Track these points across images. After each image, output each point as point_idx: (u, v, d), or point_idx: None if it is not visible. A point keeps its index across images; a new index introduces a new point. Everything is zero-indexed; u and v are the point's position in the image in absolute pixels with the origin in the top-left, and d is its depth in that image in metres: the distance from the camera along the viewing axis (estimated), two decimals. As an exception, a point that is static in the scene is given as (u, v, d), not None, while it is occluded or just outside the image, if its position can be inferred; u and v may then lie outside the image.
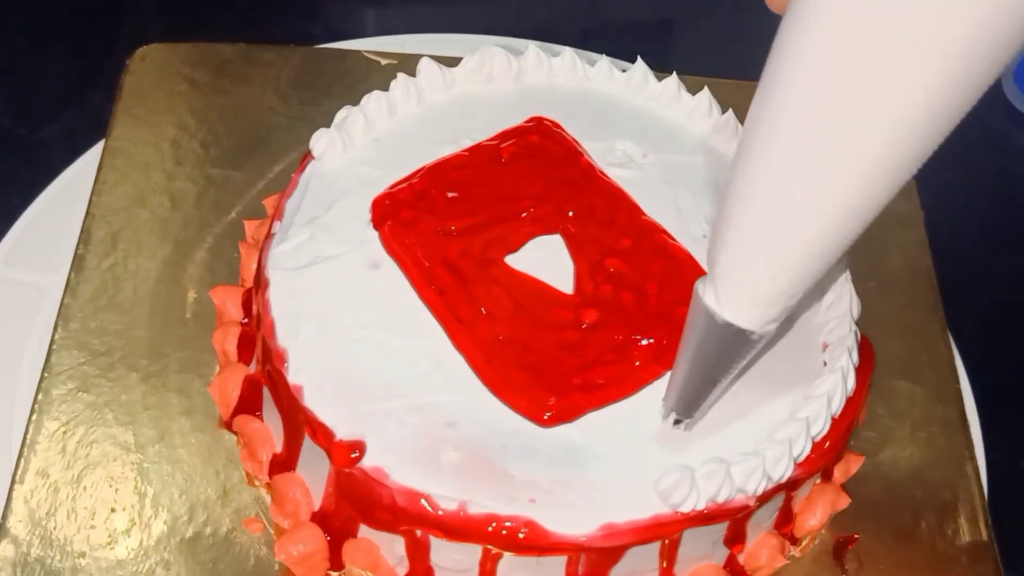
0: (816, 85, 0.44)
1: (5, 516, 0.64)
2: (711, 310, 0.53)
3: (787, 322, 0.67)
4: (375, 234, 0.68)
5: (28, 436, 0.67)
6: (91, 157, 0.84)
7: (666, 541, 0.61)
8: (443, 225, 0.68)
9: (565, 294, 0.66)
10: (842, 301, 0.68)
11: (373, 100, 0.74)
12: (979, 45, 0.40)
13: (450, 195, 0.70)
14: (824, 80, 0.43)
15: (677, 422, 0.61)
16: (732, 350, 0.55)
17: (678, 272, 0.68)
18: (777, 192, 0.48)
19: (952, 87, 0.42)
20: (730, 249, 0.51)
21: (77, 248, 0.76)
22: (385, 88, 0.75)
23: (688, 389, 0.59)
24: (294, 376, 0.63)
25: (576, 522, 0.59)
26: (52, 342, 0.72)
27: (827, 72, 0.43)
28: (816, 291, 0.69)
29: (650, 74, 0.78)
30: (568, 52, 0.79)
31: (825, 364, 0.66)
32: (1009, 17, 0.39)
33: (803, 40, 0.43)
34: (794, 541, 0.69)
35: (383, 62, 0.90)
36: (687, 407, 0.60)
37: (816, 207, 0.47)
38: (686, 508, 0.59)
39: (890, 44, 0.41)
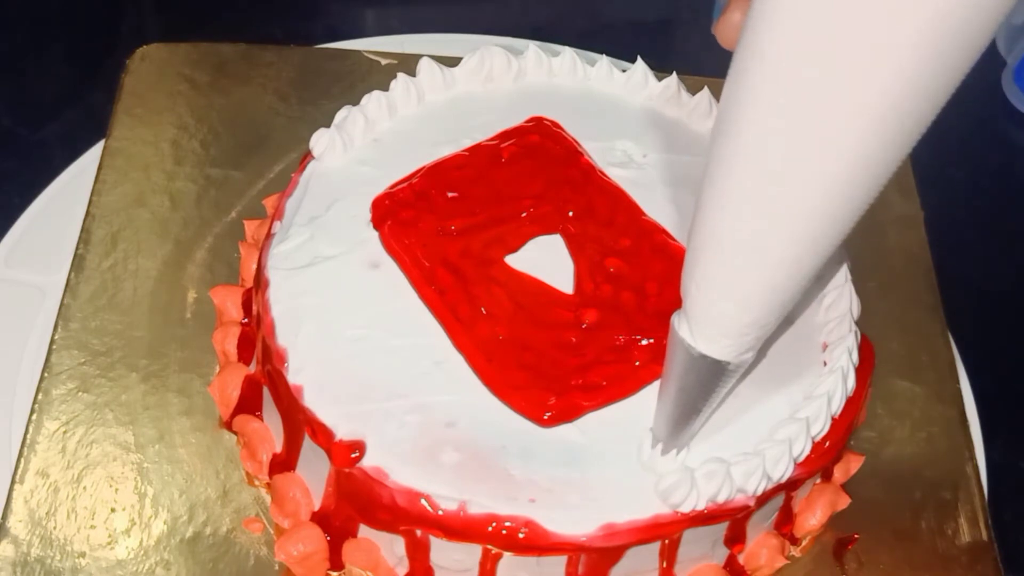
0: (767, 122, 0.44)
1: (5, 516, 0.64)
2: (686, 343, 0.54)
3: (787, 322, 0.67)
4: (375, 234, 0.68)
5: (28, 436, 0.67)
6: (91, 157, 0.84)
7: (666, 541, 0.61)
8: (443, 225, 0.68)
9: (565, 294, 0.66)
10: (842, 301, 0.68)
11: (373, 100, 0.74)
12: (937, 65, 0.40)
13: (450, 195, 0.70)
14: (774, 116, 0.43)
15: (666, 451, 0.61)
16: (711, 381, 0.55)
17: (678, 272, 0.67)
18: (736, 230, 0.48)
19: (907, 112, 0.42)
20: (698, 284, 0.52)
21: (77, 248, 0.76)
22: (385, 88, 0.75)
23: (673, 420, 0.59)
24: (294, 376, 0.63)
25: (576, 522, 0.59)
26: (52, 342, 0.72)
27: (776, 107, 0.43)
28: (816, 291, 0.69)
29: (650, 74, 0.78)
30: (568, 52, 0.79)
31: (825, 364, 0.66)
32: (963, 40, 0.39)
33: (754, 75, 0.43)
34: (794, 541, 0.69)
35: (383, 62, 0.90)
36: (674, 438, 0.60)
37: (775, 245, 0.47)
38: (686, 508, 0.59)
39: (841, 74, 0.41)
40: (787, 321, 0.67)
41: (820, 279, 0.69)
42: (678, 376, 0.56)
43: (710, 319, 0.52)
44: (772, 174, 0.45)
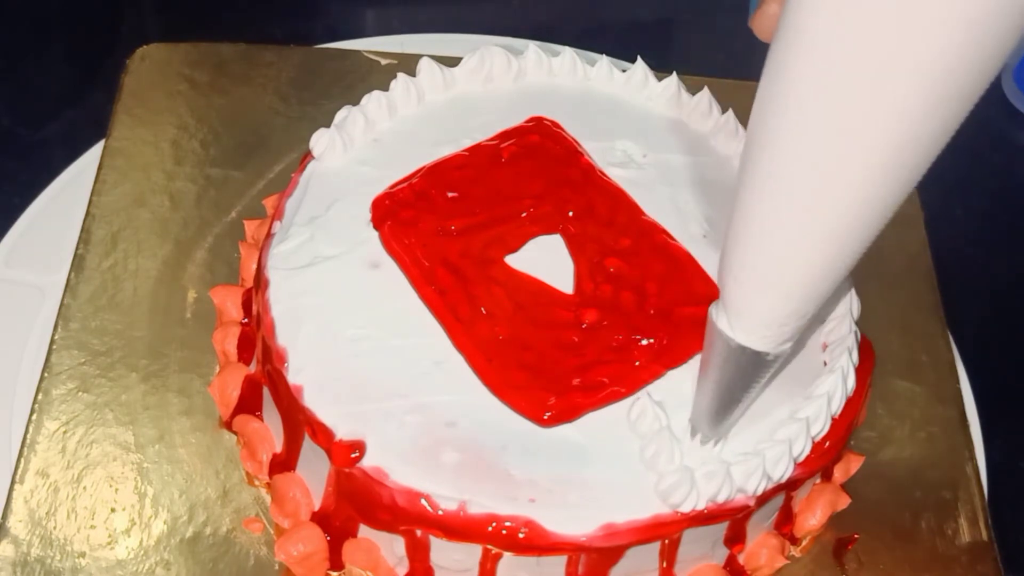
0: (806, 113, 0.44)
1: (5, 516, 0.64)
2: (725, 335, 0.54)
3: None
4: (375, 234, 0.68)
5: (28, 436, 0.67)
6: (91, 157, 0.84)
7: (666, 541, 0.61)
8: (443, 225, 0.68)
9: (565, 294, 0.66)
10: (842, 301, 0.68)
11: (373, 100, 0.74)
12: (969, 54, 0.40)
13: (450, 195, 0.70)
14: (813, 107, 0.43)
15: (705, 441, 0.61)
16: (750, 371, 0.55)
17: (678, 272, 0.68)
18: (776, 219, 0.48)
19: (944, 99, 0.42)
20: (737, 275, 0.51)
21: (77, 248, 0.76)
22: (385, 88, 0.75)
23: (712, 412, 0.59)
24: (294, 376, 0.63)
25: (576, 522, 0.59)
26: (52, 342, 0.72)
27: (815, 99, 0.43)
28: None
29: (650, 74, 0.79)
30: (568, 52, 0.79)
31: (825, 364, 0.66)
32: (1001, 22, 0.39)
33: (792, 68, 0.43)
34: (794, 541, 0.69)
35: (383, 62, 0.90)
36: (714, 429, 0.60)
37: (817, 232, 0.47)
38: (686, 508, 0.59)
39: (878, 62, 0.41)
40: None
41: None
42: (717, 368, 0.56)
43: (749, 310, 0.52)
44: (814, 163, 0.45)
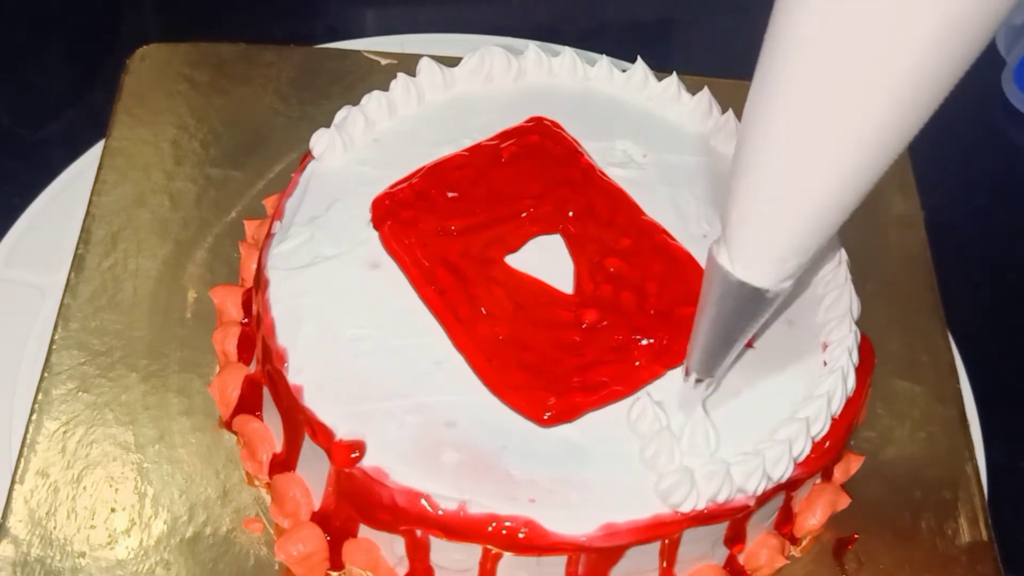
0: (816, 41, 0.44)
1: (5, 516, 0.64)
2: (725, 270, 0.53)
3: (787, 322, 0.67)
4: (375, 234, 0.68)
5: (28, 436, 0.67)
6: (91, 157, 0.85)
7: (666, 541, 0.61)
8: (443, 225, 0.68)
9: (565, 294, 0.66)
10: (842, 301, 0.68)
11: (373, 100, 0.74)
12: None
13: (450, 195, 0.70)
14: (823, 34, 0.43)
15: (698, 381, 0.61)
16: (748, 309, 0.55)
17: (678, 272, 0.68)
18: (782, 150, 0.48)
19: (951, 37, 0.41)
20: (740, 208, 0.51)
21: (77, 248, 0.76)
22: (385, 88, 0.75)
23: (707, 349, 0.58)
24: (294, 376, 0.63)
25: (576, 522, 0.59)
26: (52, 342, 0.72)
27: (826, 27, 0.43)
28: (815, 291, 0.69)
29: (650, 74, 0.79)
30: (568, 52, 0.79)
31: (825, 364, 0.66)
32: None
33: (797, 9, 0.44)
34: (794, 541, 0.69)
35: (383, 62, 0.90)
36: (707, 367, 0.60)
37: (823, 163, 0.47)
38: (686, 508, 0.59)
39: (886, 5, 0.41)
40: (787, 321, 0.67)
41: (821, 278, 0.69)
42: (715, 304, 0.55)
43: (750, 245, 0.52)
44: (820, 93, 0.45)
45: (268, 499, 0.67)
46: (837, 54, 0.44)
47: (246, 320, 0.72)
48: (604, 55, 0.86)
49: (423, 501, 0.59)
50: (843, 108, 0.45)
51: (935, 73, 0.43)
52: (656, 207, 0.71)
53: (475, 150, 0.73)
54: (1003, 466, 0.78)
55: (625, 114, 0.78)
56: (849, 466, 0.71)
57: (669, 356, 0.64)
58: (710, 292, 0.55)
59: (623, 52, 0.92)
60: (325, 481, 0.63)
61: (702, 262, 0.68)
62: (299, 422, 0.62)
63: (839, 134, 0.46)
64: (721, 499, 0.60)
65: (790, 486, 0.64)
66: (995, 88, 1.08)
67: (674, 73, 0.78)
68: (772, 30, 0.46)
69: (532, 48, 0.79)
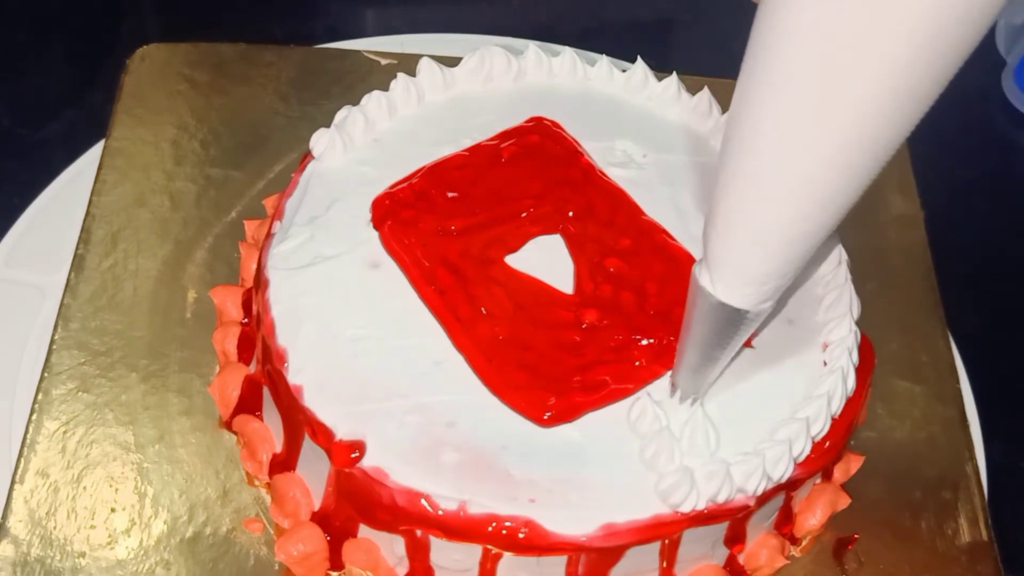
0: (788, 71, 0.45)
1: (5, 516, 0.64)
2: (706, 291, 0.54)
3: (787, 322, 0.67)
4: (375, 234, 0.68)
5: (28, 436, 0.67)
6: (91, 157, 0.85)
7: (666, 541, 0.61)
8: (443, 225, 0.68)
9: (565, 294, 0.66)
10: (842, 301, 0.68)
11: (373, 100, 0.74)
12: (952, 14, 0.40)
13: (450, 195, 0.70)
14: (795, 64, 0.44)
15: (684, 398, 0.62)
16: (728, 329, 0.56)
17: (678, 272, 0.68)
18: (758, 177, 0.49)
19: (929, 56, 0.42)
20: (720, 232, 0.52)
21: (77, 248, 0.76)
22: (385, 88, 0.75)
23: (691, 366, 0.60)
24: (294, 376, 0.63)
25: (576, 522, 0.59)
26: (52, 342, 0.72)
27: (797, 54, 0.44)
28: (815, 291, 0.69)
29: (650, 74, 0.79)
30: (568, 52, 0.79)
31: (825, 364, 0.66)
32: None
33: (776, 26, 0.44)
34: (794, 541, 0.69)
35: (383, 62, 0.90)
36: (694, 387, 0.61)
37: (798, 191, 0.48)
38: (686, 508, 0.59)
39: (859, 20, 0.42)
40: (787, 321, 0.67)
41: (821, 278, 0.69)
42: (697, 323, 0.57)
43: (730, 267, 0.53)
44: (797, 116, 0.45)
45: (268, 499, 0.67)
46: (807, 78, 0.44)
47: (246, 320, 0.72)
48: (604, 55, 0.86)
49: (423, 501, 0.59)
50: (817, 133, 0.45)
51: (915, 78, 0.43)
52: (656, 207, 0.71)
53: (475, 150, 0.73)
54: (1003, 466, 0.78)
55: (625, 114, 0.78)
56: (849, 466, 0.71)
57: (669, 356, 0.64)
58: (692, 313, 0.57)
59: (623, 52, 0.92)
60: (325, 481, 0.63)
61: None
62: (299, 422, 0.62)
63: (813, 160, 0.46)
64: (721, 499, 0.60)
65: (790, 486, 0.64)
66: (995, 88, 1.08)
67: (674, 73, 0.78)
68: (751, 46, 0.46)
69: (532, 48, 0.79)
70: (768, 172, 0.48)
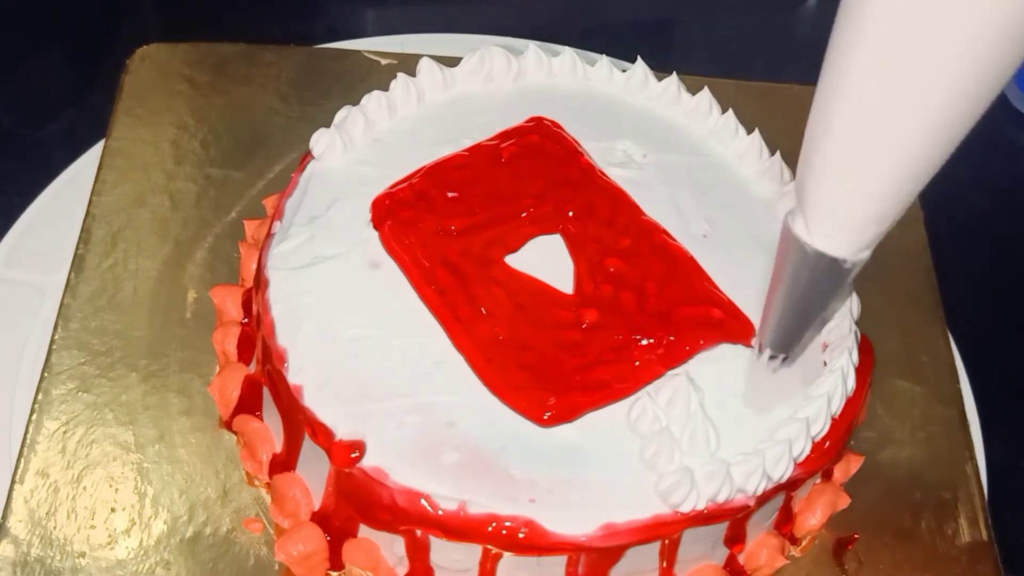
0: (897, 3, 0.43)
1: (5, 516, 0.64)
2: (801, 240, 0.52)
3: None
4: (375, 234, 0.68)
5: (28, 436, 0.67)
6: (91, 157, 0.85)
7: (666, 541, 0.61)
8: (443, 225, 0.68)
9: (565, 294, 0.66)
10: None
11: (373, 100, 0.74)
12: None
13: (450, 195, 0.70)
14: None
15: (772, 358, 0.60)
16: (825, 281, 0.54)
17: (678, 272, 0.68)
18: (862, 113, 0.47)
19: None
20: (818, 175, 0.50)
21: (77, 248, 0.76)
22: (385, 88, 0.75)
23: (783, 325, 0.57)
24: (294, 376, 0.63)
25: (576, 522, 0.59)
26: (52, 342, 0.72)
27: None
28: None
29: (650, 74, 0.79)
30: (568, 52, 0.79)
31: (825, 364, 0.66)
32: None
33: None
34: (794, 541, 0.69)
35: (383, 62, 0.90)
36: (783, 343, 0.59)
37: (903, 126, 0.46)
38: (686, 508, 0.59)
39: None
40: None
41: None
42: (790, 278, 0.54)
43: (828, 213, 0.51)
44: (898, 58, 0.44)
45: (268, 499, 0.67)
46: (905, 21, 0.42)
47: (246, 320, 0.72)
48: (604, 55, 0.86)
49: (423, 501, 0.59)
50: (925, 57, 0.43)
51: (1000, 45, 0.42)
52: (656, 207, 0.71)
53: (475, 150, 0.73)
54: (1003, 466, 0.78)
55: (625, 114, 0.78)
56: (849, 466, 0.71)
57: (669, 356, 0.64)
58: (784, 265, 0.54)
59: (623, 52, 0.92)
60: (325, 481, 0.63)
61: (702, 262, 0.68)
62: (299, 422, 0.62)
63: (921, 85, 0.44)
64: (721, 499, 0.60)
65: (790, 486, 0.64)
66: (995, 88, 1.08)
67: (674, 73, 0.78)
68: (844, 7, 0.44)
69: (532, 48, 0.79)
70: (873, 105, 0.46)
